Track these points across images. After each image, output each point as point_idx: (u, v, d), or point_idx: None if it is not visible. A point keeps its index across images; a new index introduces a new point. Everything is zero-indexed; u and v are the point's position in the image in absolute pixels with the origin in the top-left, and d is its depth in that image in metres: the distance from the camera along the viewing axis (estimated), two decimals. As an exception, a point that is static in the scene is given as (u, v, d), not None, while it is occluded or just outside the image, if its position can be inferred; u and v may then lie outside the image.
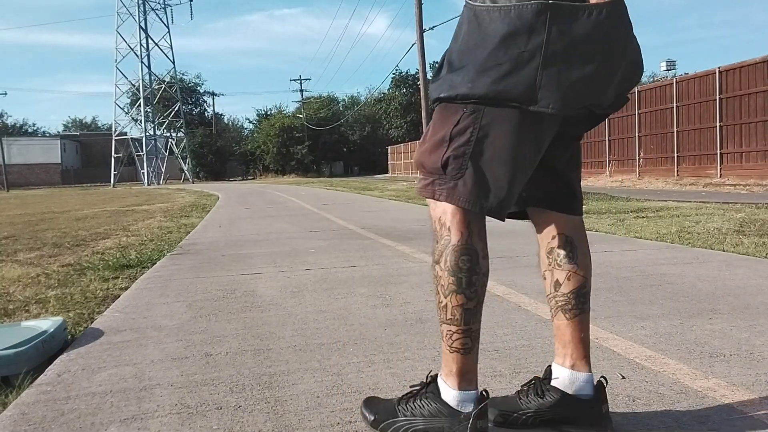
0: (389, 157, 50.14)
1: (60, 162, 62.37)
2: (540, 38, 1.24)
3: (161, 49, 52.12)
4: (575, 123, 1.43)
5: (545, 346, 2.20)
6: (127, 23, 50.67)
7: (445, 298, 1.38)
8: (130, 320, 2.81)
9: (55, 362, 2.22)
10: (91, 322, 2.82)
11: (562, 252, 1.51)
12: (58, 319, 2.53)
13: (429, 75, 50.70)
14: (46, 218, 10.84)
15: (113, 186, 45.92)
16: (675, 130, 15.49)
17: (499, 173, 1.33)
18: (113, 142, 50.57)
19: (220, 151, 58.72)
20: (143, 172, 49.29)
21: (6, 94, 66.48)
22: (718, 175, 14.03)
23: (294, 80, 64.41)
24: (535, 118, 1.29)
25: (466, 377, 1.39)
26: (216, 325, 2.69)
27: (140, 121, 50.42)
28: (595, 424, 1.43)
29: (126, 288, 3.65)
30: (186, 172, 53.38)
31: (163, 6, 51.71)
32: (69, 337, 2.54)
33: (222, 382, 1.95)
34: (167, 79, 55.07)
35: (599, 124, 1.53)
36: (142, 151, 49.11)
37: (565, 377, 1.48)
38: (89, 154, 68.20)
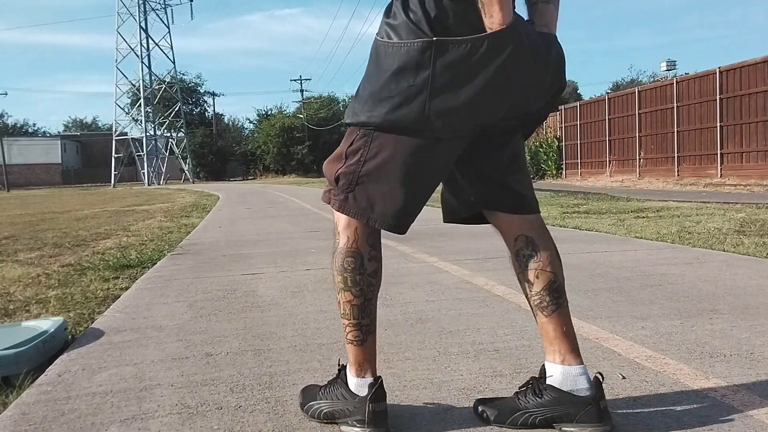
0: (389, 157, 50.14)
1: (60, 162, 62.37)
2: (426, 72, 1.36)
3: (161, 50, 52.16)
4: (497, 135, 1.53)
5: (545, 346, 2.19)
6: (127, 23, 50.74)
7: (338, 294, 1.56)
8: (130, 320, 2.82)
9: (55, 362, 2.22)
10: (92, 322, 2.82)
11: (525, 252, 1.60)
12: (59, 319, 2.53)
13: (429, 75, 51.08)
14: (47, 218, 10.85)
15: (113, 186, 45.93)
16: (675, 130, 15.49)
17: (390, 191, 1.45)
18: (113, 142, 50.57)
19: (221, 152, 58.70)
20: (143, 173, 49.29)
21: (6, 94, 66.67)
22: (719, 175, 14.02)
23: (294, 80, 64.48)
24: (429, 141, 1.42)
25: (363, 366, 1.55)
26: (216, 325, 2.69)
27: (141, 122, 50.44)
28: (595, 420, 1.46)
29: (126, 288, 3.65)
30: (186, 172, 53.39)
31: (163, 6, 51.74)
32: (69, 337, 2.54)
33: (222, 382, 1.95)
34: (167, 79, 55.08)
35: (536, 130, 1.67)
36: (143, 151, 49.11)
37: (558, 373, 1.52)
38: (90, 155, 68.19)
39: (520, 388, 1.58)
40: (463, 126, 1.42)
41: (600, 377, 1.50)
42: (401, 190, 1.46)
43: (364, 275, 1.54)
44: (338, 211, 1.52)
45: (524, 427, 1.51)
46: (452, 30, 1.35)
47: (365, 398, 1.50)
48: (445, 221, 1.73)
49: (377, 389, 1.51)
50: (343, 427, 1.54)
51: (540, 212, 1.66)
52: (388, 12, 1.45)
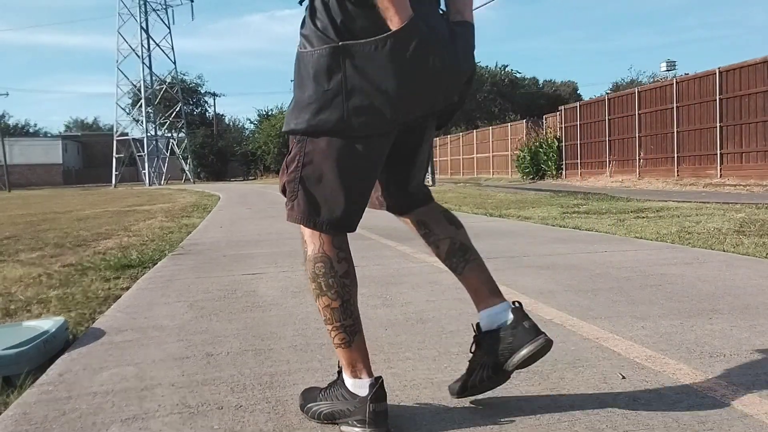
0: (390, 157, 50.15)
1: (62, 162, 62.38)
2: (339, 76, 1.44)
3: (162, 50, 52.17)
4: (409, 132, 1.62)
5: (545, 346, 2.20)
6: (128, 24, 50.70)
7: (316, 302, 1.57)
8: (131, 320, 2.82)
9: (56, 362, 2.22)
10: (93, 322, 2.82)
11: (424, 232, 1.76)
12: (60, 319, 2.54)
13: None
14: (48, 218, 10.85)
15: (114, 186, 45.93)
16: (675, 130, 15.48)
17: (329, 192, 1.52)
18: (114, 142, 50.57)
19: (221, 152, 58.68)
20: (144, 173, 49.28)
21: (8, 94, 66.54)
22: (718, 176, 14.02)
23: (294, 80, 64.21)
24: (355, 141, 1.48)
25: (356, 367, 1.56)
26: (217, 325, 2.69)
27: (141, 122, 50.43)
28: (529, 341, 1.56)
29: (127, 288, 3.65)
30: (187, 172, 53.38)
31: (164, 7, 51.74)
32: (70, 337, 2.55)
33: (223, 381, 1.95)
34: (168, 80, 55.06)
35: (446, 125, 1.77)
36: (144, 152, 49.09)
37: (485, 318, 1.66)
38: (91, 155, 68.19)
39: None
40: (382, 123, 1.47)
41: (518, 304, 1.66)
42: (340, 191, 1.52)
43: (336, 277, 1.54)
44: (289, 220, 1.58)
45: (482, 382, 1.65)
46: (359, 34, 1.42)
47: (365, 398, 1.51)
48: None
49: (377, 389, 1.52)
50: (343, 428, 1.55)
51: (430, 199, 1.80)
52: (302, 23, 1.52)
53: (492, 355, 1.60)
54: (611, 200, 10.12)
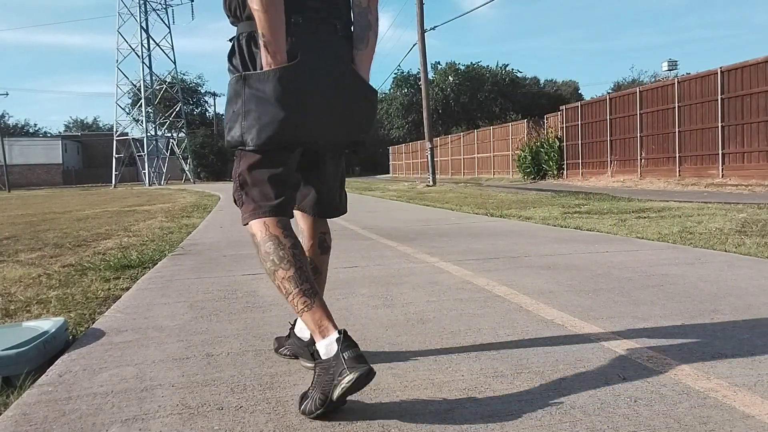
0: (390, 157, 50.17)
1: (61, 162, 62.42)
2: (241, 100, 1.75)
3: (162, 50, 52.14)
4: (322, 154, 1.95)
5: (547, 346, 2.19)
6: (128, 23, 50.81)
7: (275, 281, 1.75)
8: (131, 321, 2.82)
9: (56, 363, 2.22)
10: (93, 323, 2.82)
11: (324, 244, 2.10)
12: (60, 319, 2.53)
13: (431, 75, 50.34)
14: (48, 219, 10.86)
15: (114, 186, 45.95)
16: (677, 130, 15.47)
17: (260, 192, 1.80)
18: (114, 142, 50.58)
19: (222, 152, 58.60)
20: (144, 173, 49.29)
21: (7, 94, 66.50)
22: (720, 176, 14.01)
23: (295, 80, 64.16)
24: (258, 152, 1.78)
25: (323, 326, 1.68)
26: (217, 325, 2.69)
27: (141, 122, 50.41)
28: (311, 358, 1.85)
29: (127, 288, 3.65)
30: (187, 172, 53.40)
31: (164, 6, 51.73)
32: (70, 337, 2.54)
33: (223, 382, 1.95)
34: (168, 80, 55.06)
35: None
36: (144, 152, 49.10)
37: (297, 324, 2.10)
38: (90, 155, 68.23)
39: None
40: (271, 141, 1.74)
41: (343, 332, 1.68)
42: (267, 190, 1.80)
43: (285, 249, 1.74)
44: (243, 224, 1.85)
45: (285, 356, 2.13)
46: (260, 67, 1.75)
47: (338, 353, 1.60)
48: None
49: (344, 339, 1.62)
50: (335, 391, 1.58)
51: (341, 210, 2.10)
52: (228, 59, 1.86)
53: (291, 348, 1.96)
54: (612, 200, 10.11)
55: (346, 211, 2.12)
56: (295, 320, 2.10)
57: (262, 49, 1.71)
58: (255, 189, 1.81)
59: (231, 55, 1.84)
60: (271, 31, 1.69)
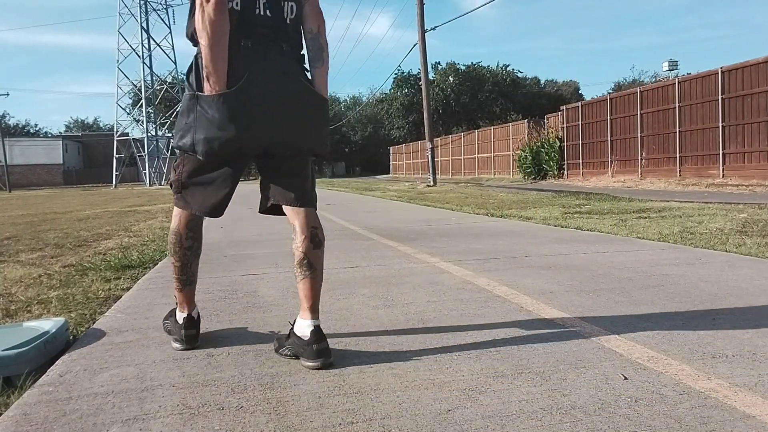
0: (391, 157, 50.16)
1: (62, 163, 62.43)
2: (194, 114, 2.08)
3: (163, 50, 52.07)
4: (267, 159, 2.22)
5: (548, 346, 2.19)
6: (128, 24, 50.70)
7: (170, 259, 2.39)
8: (131, 321, 2.82)
9: (57, 363, 2.22)
10: (93, 323, 2.82)
11: (293, 235, 2.23)
12: (60, 319, 2.53)
13: (431, 75, 50.24)
14: (48, 219, 10.86)
15: (115, 186, 45.97)
16: (677, 130, 15.47)
17: (198, 191, 2.24)
18: (115, 142, 50.58)
19: (222, 152, 58.69)
20: (145, 173, 49.31)
21: (8, 94, 66.18)
22: (721, 176, 14.01)
23: (296, 81, 64.15)
24: (205, 160, 2.14)
25: (183, 305, 2.40)
26: (218, 325, 2.69)
27: (142, 122, 50.42)
28: (312, 357, 2.06)
29: (128, 288, 3.65)
30: (188, 172, 53.30)
31: (164, 6, 51.68)
32: (71, 337, 2.54)
33: (224, 382, 1.95)
34: (169, 80, 55.04)
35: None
36: (144, 152, 49.12)
37: (297, 323, 2.17)
38: (91, 155, 68.24)
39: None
40: (220, 150, 2.07)
41: (317, 328, 2.11)
42: (203, 191, 2.23)
43: (182, 248, 2.33)
44: (174, 206, 2.32)
45: (285, 356, 2.19)
46: None
47: (182, 325, 2.35)
48: (259, 212, 2.33)
49: (187, 320, 2.36)
50: (173, 344, 2.36)
51: (312, 207, 2.25)
52: (186, 74, 2.19)
53: (291, 348, 2.17)
54: (613, 200, 10.11)
55: (309, 206, 2.25)
56: (295, 320, 2.19)
57: (204, 79, 2.04)
58: (188, 188, 2.25)
59: (188, 72, 2.16)
60: (213, 65, 2.00)
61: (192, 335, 2.34)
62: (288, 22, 2.17)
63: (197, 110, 2.06)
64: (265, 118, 2.08)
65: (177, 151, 2.22)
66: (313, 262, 2.17)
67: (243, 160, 2.22)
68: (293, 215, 2.21)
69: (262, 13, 2.11)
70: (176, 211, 2.30)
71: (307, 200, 2.23)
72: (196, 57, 2.12)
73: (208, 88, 2.03)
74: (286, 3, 2.16)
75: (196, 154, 2.10)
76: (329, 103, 2.34)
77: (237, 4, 2.06)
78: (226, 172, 2.20)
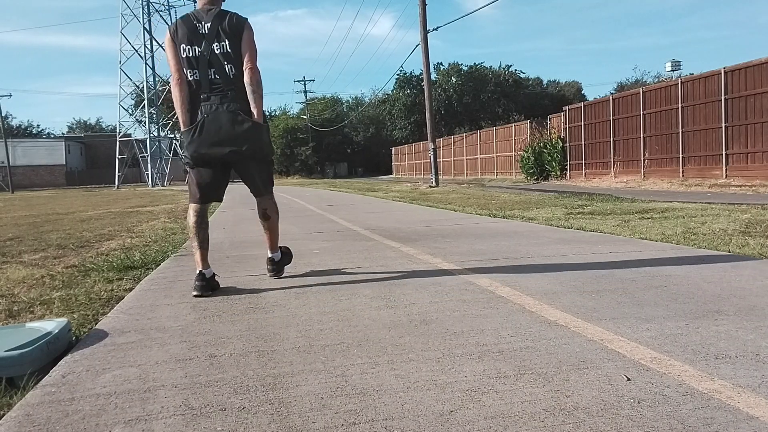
0: (393, 158, 50.15)
1: (64, 163, 62.56)
2: (184, 140, 3.45)
3: (165, 51, 52.20)
4: (230, 164, 3.58)
5: (550, 347, 2.19)
6: (131, 25, 50.93)
7: (188, 234, 3.75)
8: (134, 321, 2.82)
9: (59, 363, 2.22)
10: (96, 324, 2.82)
11: (260, 213, 3.78)
12: (63, 320, 2.54)
13: (433, 76, 50.01)
14: (51, 220, 10.88)
15: (117, 187, 46.04)
16: (680, 130, 15.44)
17: (192, 190, 3.57)
18: (117, 143, 50.68)
19: (225, 153, 58.76)
20: (147, 174, 49.39)
21: (11, 95, 66.28)
22: (724, 176, 13.97)
23: (298, 81, 64.34)
24: (196, 166, 3.50)
25: (199, 263, 3.43)
26: (220, 326, 2.69)
27: (144, 123, 50.56)
28: (271, 270, 3.87)
29: (130, 289, 3.66)
30: (190, 173, 53.36)
31: (167, 8, 51.79)
32: (73, 338, 2.55)
33: (226, 383, 1.95)
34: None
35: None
36: (147, 153, 49.21)
37: (270, 255, 3.86)
38: (93, 156, 68.36)
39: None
40: (199, 159, 3.45)
41: (272, 257, 3.88)
42: (194, 190, 3.56)
43: (196, 225, 3.54)
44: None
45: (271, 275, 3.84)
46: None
47: (195, 278, 3.38)
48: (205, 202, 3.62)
49: (198, 275, 3.38)
50: (193, 291, 3.36)
51: (263, 196, 3.74)
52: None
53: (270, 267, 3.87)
54: (616, 201, 10.09)
55: (269, 194, 3.76)
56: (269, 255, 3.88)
57: (179, 119, 3.48)
58: (192, 188, 3.59)
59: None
60: (180, 113, 3.44)
61: (199, 286, 3.34)
62: (231, 77, 3.41)
63: (184, 138, 3.46)
64: (215, 140, 3.39)
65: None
66: (268, 227, 3.78)
67: (212, 166, 3.52)
68: (258, 200, 3.76)
69: (212, 77, 3.40)
70: (190, 206, 3.62)
71: (260, 192, 3.72)
72: None
73: (181, 126, 3.47)
74: (227, 65, 3.39)
75: (188, 163, 3.51)
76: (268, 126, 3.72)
77: (196, 75, 3.39)
78: (206, 176, 3.54)
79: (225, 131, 3.35)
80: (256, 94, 3.41)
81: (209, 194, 3.55)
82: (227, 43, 3.36)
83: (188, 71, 3.37)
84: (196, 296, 3.27)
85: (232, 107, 3.37)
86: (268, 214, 3.70)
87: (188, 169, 3.52)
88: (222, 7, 3.45)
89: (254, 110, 3.41)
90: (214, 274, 3.47)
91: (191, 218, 3.53)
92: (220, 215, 10.40)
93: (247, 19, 3.46)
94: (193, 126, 3.36)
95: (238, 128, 3.37)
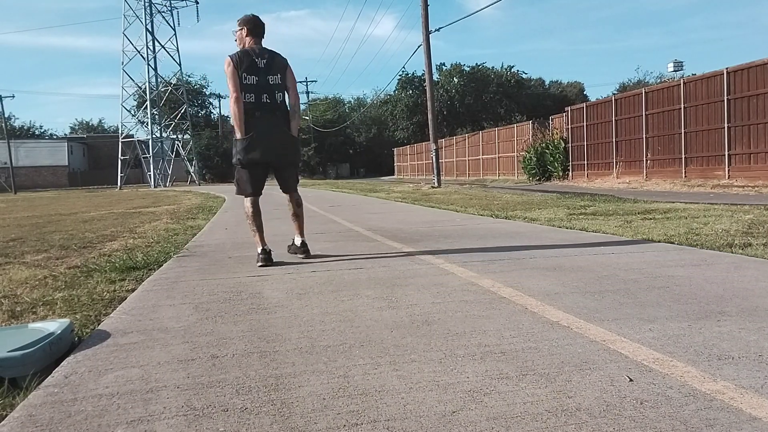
0: (395, 158, 50.16)
1: (67, 164, 62.65)
2: (234, 147, 4.57)
3: (167, 52, 52.27)
4: (271, 169, 4.73)
5: (552, 348, 2.19)
6: (133, 26, 50.73)
7: (247, 221, 4.64)
8: (136, 322, 2.82)
9: (62, 364, 2.23)
10: (98, 324, 2.83)
11: (289, 205, 4.83)
12: (65, 321, 2.54)
13: (435, 76, 49.86)
14: (54, 220, 10.89)
15: (120, 188, 46.07)
16: (683, 131, 15.42)
17: (244, 186, 4.60)
18: (120, 144, 50.73)
19: (227, 153, 58.53)
20: (150, 174, 49.44)
21: (14, 96, 66.57)
22: (726, 177, 13.95)
23: (300, 82, 64.42)
24: (243, 167, 4.54)
25: (258, 244, 4.51)
26: (222, 327, 2.69)
27: (147, 124, 50.62)
28: (299, 251, 4.77)
29: (133, 290, 3.66)
30: (192, 174, 53.52)
31: (169, 8, 51.89)
32: (76, 339, 2.55)
33: (228, 384, 1.95)
34: (173, 82, 55.23)
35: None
36: (149, 154, 49.26)
37: (294, 239, 4.83)
38: (96, 157, 68.45)
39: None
40: (250, 162, 4.47)
41: (303, 242, 4.80)
42: (247, 185, 4.57)
43: (252, 214, 4.57)
44: (238, 193, 4.69)
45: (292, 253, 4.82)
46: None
47: (259, 255, 4.41)
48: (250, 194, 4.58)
49: (261, 253, 4.42)
50: (257, 263, 4.39)
51: (295, 191, 4.81)
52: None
53: (293, 249, 4.88)
54: (618, 202, 10.08)
55: (296, 190, 4.82)
56: (293, 239, 4.83)
57: (235, 130, 4.46)
58: (244, 185, 4.56)
59: (232, 128, 4.26)
60: (237, 126, 4.41)
61: (263, 258, 4.37)
62: (279, 102, 4.51)
63: (236, 144, 4.47)
64: (265, 148, 4.45)
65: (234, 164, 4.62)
66: (297, 214, 4.76)
67: (259, 168, 4.56)
68: (286, 195, 4.78)
69: (264, 100, 4.44)
70: (245, 200, 4.59)
71: (291, 189, 4.77)
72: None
73: (237, 135, 4.44)
74: (277, 93, 4.49)
75: (240, 164, 4.50)
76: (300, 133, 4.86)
77: (252, 98, 4.40)
78: (254, 174, 4.56)
79: (273, 142, 4.44)
80: (297, 114, 4.63)
81: (259, 188, 4.58)
82: (278, 76, 4.50)
83: (245, 94, 4.36)
84: (261, 266, 4.28)
85: (279, 124, 4.48)
86: (299, 202, 4.79)
87: (239, 168, 4.50)
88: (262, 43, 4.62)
89: (294, 128, 4.57)
90: (270, 249, 4.47)
91: (249, 209, 4.52)
92: (222, 216, 10.41)
93: (287, 59, 4.64)
94: (248, 136, 4.37)
95: (284, 140, 4.51)
